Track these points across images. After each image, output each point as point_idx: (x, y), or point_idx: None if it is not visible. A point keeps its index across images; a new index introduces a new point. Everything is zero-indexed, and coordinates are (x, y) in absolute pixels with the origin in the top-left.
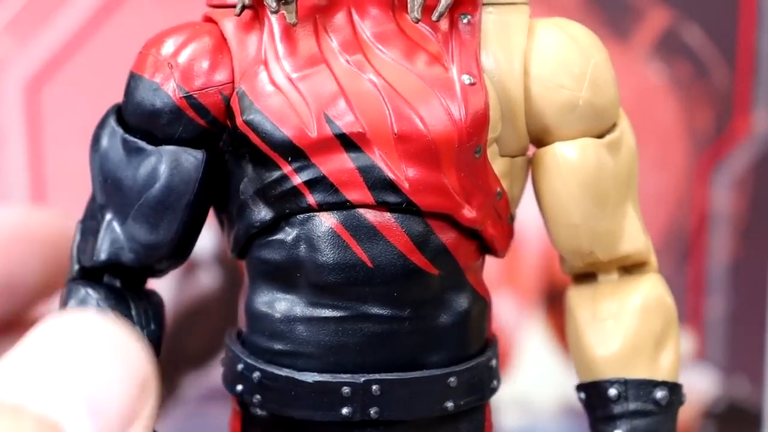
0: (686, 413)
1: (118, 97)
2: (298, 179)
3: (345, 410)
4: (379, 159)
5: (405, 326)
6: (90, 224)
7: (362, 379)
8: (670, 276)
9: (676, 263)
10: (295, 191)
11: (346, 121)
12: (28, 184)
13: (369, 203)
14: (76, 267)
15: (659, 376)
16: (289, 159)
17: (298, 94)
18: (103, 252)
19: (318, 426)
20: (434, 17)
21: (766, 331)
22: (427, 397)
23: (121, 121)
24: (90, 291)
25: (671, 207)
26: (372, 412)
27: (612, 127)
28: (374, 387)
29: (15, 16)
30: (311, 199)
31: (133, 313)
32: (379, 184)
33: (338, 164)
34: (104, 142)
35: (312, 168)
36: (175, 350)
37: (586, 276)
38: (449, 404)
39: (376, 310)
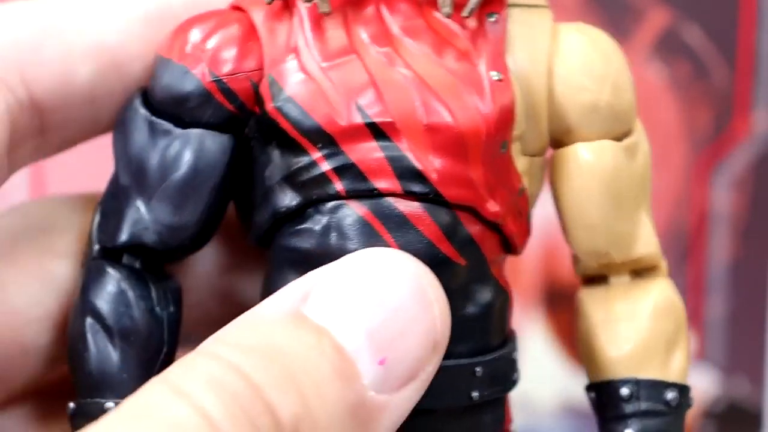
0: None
1: None
2: (326, 166)
3: None
4: (407, 149)
5: None
6: (112, 204)
7: None
8: (670, 276)
9: (676, 263)
10: (323, 177)
11: (376, 110)
12: (28, 184)
13: (397, 192)
14: (97, 247)
15: (670, 378)
16: (319, 146)
17: (329, 82)
18: (125, 232)
19: None
20: (465, 13)
21: (766, 331)
22: (455, 386)
23: (147, 104)
24: (110, 269)
25: (671, 207)
26: None
27: (629, 132)
28: None
29: None
30: (339, 186)
31: (153, 294)
32: (407, 173)
33: (367, 152)
34: (129, 124)
35: (341, 155)
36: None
37: (597, 278)
38: (475, 394)
39: None
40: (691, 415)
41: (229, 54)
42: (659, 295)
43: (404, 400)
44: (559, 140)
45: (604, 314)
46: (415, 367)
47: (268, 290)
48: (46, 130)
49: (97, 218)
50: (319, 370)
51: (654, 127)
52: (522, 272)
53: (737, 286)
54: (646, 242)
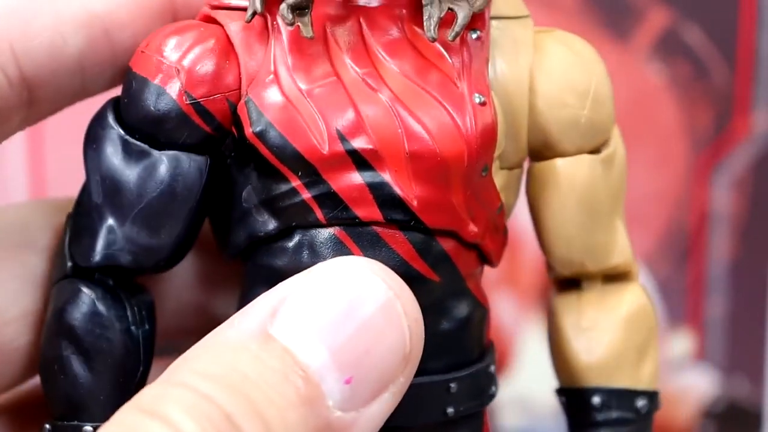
0: (686, 413)
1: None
2: (307, 194)
3: None
4: (389, 176)
5: None
6: (84, 221)
7: None
8: (670, 276)
9: (676, 263)
10: (303, 205)
11: (358, 137)
12: (28, 184)
13: (378, 220)
14: (69, 264)
15: (640, 385)
16: (299, 173)
17: (309, 108)
18: (99, 253)
19: None
20: (450, 37)
21: (766, 331)
22: (429, 403)
23: (119, 120)
24: (85, 289)
25: (671, 207)
26: None
27: (607, 141)
28: None
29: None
30: (320, 214)
31: (128, 313)
32: (388, 201)
33: (348, 181)
34: (102, 140)
35: (322, 183)
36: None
37: (570, 282)
38: (450, 410)
39: None
40: (691, 415)
41: (206, 73)
42: (631, 302)
43: (373, 415)
44: (538, 153)
45: (576, 320)
46: (384, 382)
47: (243, 306)
48: (34, 102)
49: (68, 233)
50: (283, 396)
51: (654, 127)
52: (522, 272)
53: (737, 286)
54: (620, 251)
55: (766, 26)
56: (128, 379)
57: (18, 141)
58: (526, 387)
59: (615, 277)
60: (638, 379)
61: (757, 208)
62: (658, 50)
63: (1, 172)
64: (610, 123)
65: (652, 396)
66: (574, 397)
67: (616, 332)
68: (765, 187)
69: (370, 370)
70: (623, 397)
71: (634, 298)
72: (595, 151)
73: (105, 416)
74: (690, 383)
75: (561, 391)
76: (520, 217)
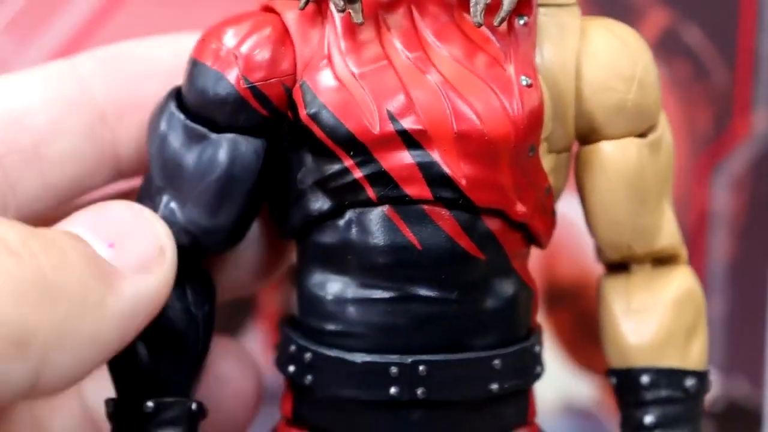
0: None
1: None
2: (359, 173)
3: (393, 390)
4: (438, 156)
5: (452, 308)
6: (147, 204)
7: (410, 360)
8: None
9: None
10: (355, 184)
11: (408, 118)
12: None
13: (427, 198)
14: None
15: (689, 366)
16: (351, 153)
17: (361, 90)
18: None
19: (367, 405)
20: (496, 22)
21: (766, 331)
22: (473, 379)
23: (181, 106)
24: None
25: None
26: (419, 392)
27: (654, 126)
28: (421, 368)
29: (14, 17)
30: (371, 192)
31: (189, 294)
32: (437, 180)
33: (399, 160)
34: (164, 125)
35: (373, 162)
36: None
37: (619, 266)
38: (494, 386)
39: (424, 292)
40: None
41: (263, 59)
42: (679, 284)
43: (141, 284)
44: (585, 137)
45: (625, 303)
46: (144, 260)
47: (299, 284)
48: None
49: None
50: (63, 239)
51: None
52: None
53: (737, 286)
54: (668, 233)
55: (766, 27)
56: (187, 358)
57: None
58: None
59: (663, 260)
60: (687, 360)
61: (756, 208)
62: (657, 50)
63: None
64: (657, 108)
65: (702, 376)
66: (623, 377)
67: (664, 314)
68: (765, 187)
69: (130, 244)
70: (672, 376)
71: (683, 281)
72: (642, 135)
73: (165, 394)
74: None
75: (611, 372)
76: None
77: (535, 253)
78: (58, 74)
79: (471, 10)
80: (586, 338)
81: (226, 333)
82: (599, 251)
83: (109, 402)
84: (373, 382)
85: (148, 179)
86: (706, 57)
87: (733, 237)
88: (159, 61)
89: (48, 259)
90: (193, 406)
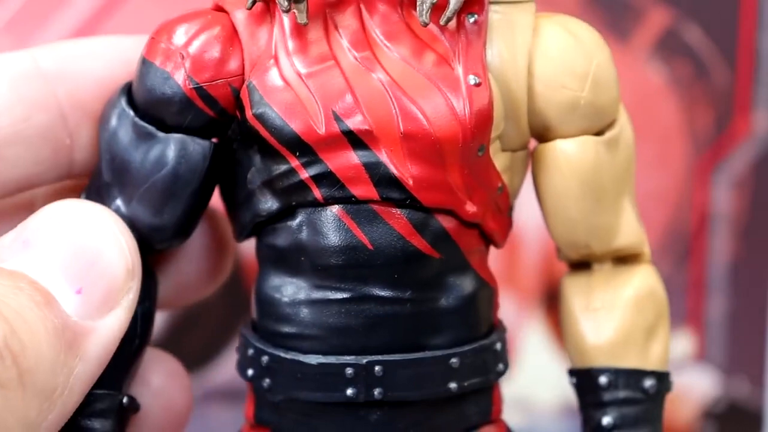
0: (686, 413)
1: None
2: (305, 173)
3: (349, 391)
4: (384, 156)
5: (406, 308)
6: (94, 199)
7: (365, 361)
8: (670, 276)
9: (676, 263)
10: (302, 185)
11: (353, 118)
12: None
13: (374, 199)
14: None
15: (648, 366)
16: (297, 153)
17: (307, 91)
18: None
19: (326, 407)
20: (442, 21)
21: (767, 331)
22: (430, 378)
23: (131, 103)
24: None
25: (671, 207)
26: (376, 392)
27: (611, 124)
28: (377, 368)
29: (14, 16)
30: (318, 193)
31: None
32: (384, 180)
33: (345, 160)
34: (113, 121)
35: (319, 163)
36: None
37: (581, 264)
38: (452, 385)
39: (377, 292)
40: (691, 416)
41: (211, 59)
42: (640, 283)
43: (110, 325)
44: (540, 135)
45: (585, 302)
46: (114, 292)
47: (255, 287)
48: None
49: None
50: (18, 301)
51: (654, 127)
52: (522, 272)
53: (737, 286)
54: (627, 232)
55: (767, 26)
56: (123, 352)
57: None
58: (526, 387)
59: (625, 258)
60: (646, 360)
61: (757, 208)
62: (658, 50)
63: None
64: (614, 106)
65: (662, 377)
66: (583, 377)
67: (623, 313)
68: (765, 187)
69: (99, 280)
70: (630, 377)
71: (643, 280)
72: (598, 133)
73: (96, 386)
74: (690, 383)
75: (572, 372)
76: (520, 216)
77: (535, 254)
78: (22, 73)
79: (417, 9)
80: None
81: (160, 346)
82: (559, 250)
83: None
84: (330, 384)
85: (97, 173)
86: (706, 57)
87: (734, 237)
88: (122, 60)
89: (16, 344)
90: (124, 399)
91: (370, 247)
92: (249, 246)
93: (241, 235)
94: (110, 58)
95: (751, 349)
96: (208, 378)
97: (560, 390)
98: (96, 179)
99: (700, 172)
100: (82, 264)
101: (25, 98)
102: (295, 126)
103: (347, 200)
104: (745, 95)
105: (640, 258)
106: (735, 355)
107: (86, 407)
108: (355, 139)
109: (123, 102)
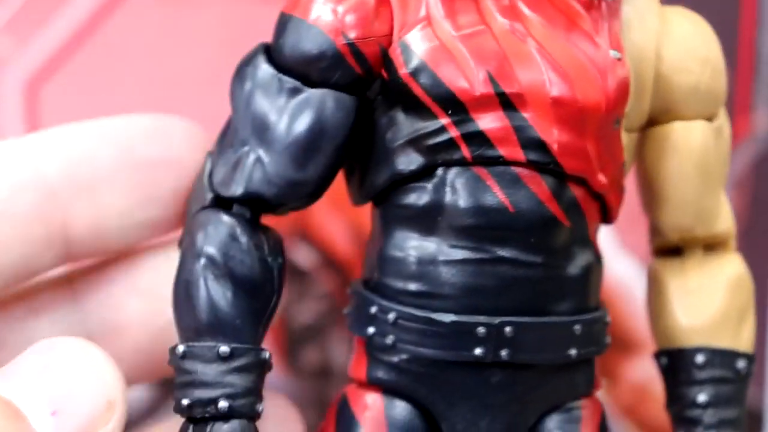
0: None
1: (118, 97)
2: (455, 131)
3: (478, 351)
4: (532, 120)
5: (538, 272)
6: (229, 156)
7: (497, 321)
8: None
9: None
10: (451, 143)
11: (507, 81)
12: None
13: (520, 160)
14: (210, 195)
15: (741, 348)
16: (450, 112)
17: (462, 51)
18: (245, 183)
19: (449, 366)
20: None
21: (767, 331)
22: (555, 343)
23: (271, 61)
24: (224, 217)
25: None
26: (503, 353)
27: (718, 113)
28: (507, 329)
29: (14, 16)
30: (466, 151)
31: (265, 244)
32: (530, 143)
33: (495, 121)
34: (252, 77)
35: (470, 122)
36: None
37: (671, 251)
38: (572, 351)
39: (512, 254)
40: None
41: (361, 17)
42: (732, 269)
43: None
44: (657, 118)
45: (679, 285)
46: (92, 421)
47: (374, 247)
48: None
49: (208, 167)
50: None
51: None
52: None
53: None
54: (726, 218)
55: (767, 26)
56: (263, 306)
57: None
58: None
59: (715, 246)
60: (739, 342)
61: (757, 208)
62: None
63: None
64: (723, 93)
65: (750, 358)
66: (676, 356)
67: (719, 296)
68: (765, 187)
69: (75, 407)
70: (726, 357)
71: (735, 265)
72: (709, 118)
73: (240, 339)
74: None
75: (662, 353)
76: None
77: None
78: (8, 153)
79: None
80: None
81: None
82: (657, 234)
83: (177, 347)
84: (460, 343)
85: (231, 129)
86: None
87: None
88: (110, 137)
89: None
90: (267, 355)
91: (511, 209)
92: None
93: (368, 197)
94: (96, 135)
95: None
96: None
97: None
98: (231, 135)
99: None
100: (60, 389)
101: (10, 176)
102: (450, 84)
103: (494, 160)
104: (745, 95)
105: (728, 246)
106: None
107: (231, 361)
108: (507, 102)
109: (262, 59)
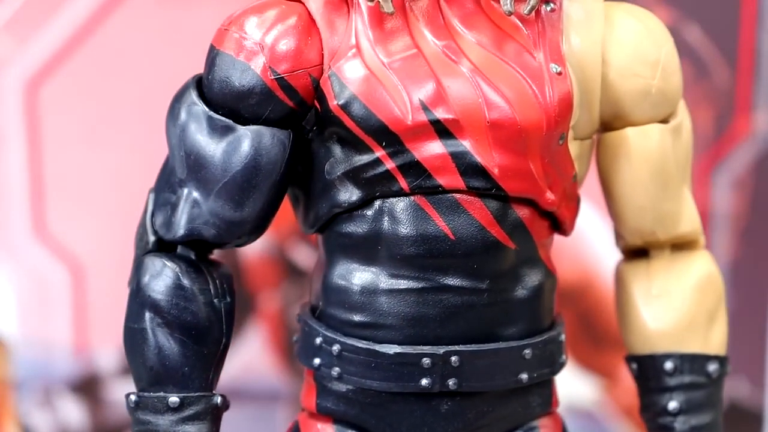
0: None
1: (118, 98)
2: (391, 163)
3: (424, 381)
4: (470, 145)
5: (483, 298)
6: (167, 196)
7: (442, 351)
8: None
9: None
10: (387, 175)
11: (440, 107)
12: (28, 184)
13: (460, 188)
14: (153, 239)
15: (711, 351)
16: (383, 143)
17: (392, 80)
18: (184, 226)
19: (396, 397)
20: (526, 11)
21: (767, 331)
22: (504, 369)
23: (201, 96)
24: (168, 263)
25: None
26: (450, 383)
27: (675, 112)
28: (453, 358)
29: (14, 16)
30: (404, 183)
31: (210, 286)
32: (470, 169)
33: (431, 150)
34: (184, 115)
35: (406, 153)
36: None
37: (638, 252)
38: (523, 376)
39: (456, 282)
40: None
41: (289, 49)
42: (700, 269)
43: None
44: (609, 123)
45: (646, 288)
46: None
47: (319, 275)
48: None
49: (151, 208)
50: None
51: None
52: None
53: (737, 286)
54: (689, 219)
55: (767, 26)
56: (212, 351)
57: (17, 141)
58: None
59: (683, 245)
60: (709, 345)
61: (757, 208)
62: None
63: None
64: (678, 94)
65: (723, 361)
66: (646, 363)
67: (686, 298)
68: (765, 187)
69: None
70: (695, 361)
71: (703, 265)
72: (664, 120)
73: (190, 387)
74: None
75: (632, 358)
76: None
77: None
78: None
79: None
80: (586, 338)
81: None
82: (620, 237)
83: (129, 396)
84: (406, 374)
85: (168, 170)
86: (706, 57)
87: (734, 237)
88: None
89: None
90: (218, 400)
91: (452, 237)
92: (248, 247)
93: (314, 227)
94: None
95: (751, 350)
96: None
97: (560, 390)
98: (167, 175)
99: (700, 172)
100: None
101: None
102: (382, 115)
103: (433, 190)
104: (745, 95)
105: (696, 244)
106: (735, 355)
107: (181, 411)
108: (442, 129)
109: (194, 95)
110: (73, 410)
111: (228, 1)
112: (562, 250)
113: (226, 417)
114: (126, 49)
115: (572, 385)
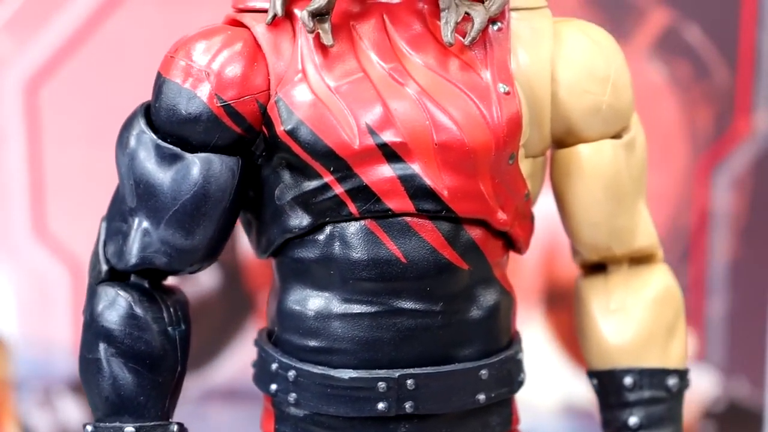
0: (686, 414)
1: (118, 97)
2: (339, 188)
3: (381, 405)
4: (418, 168)
5: (437, 320)
6: (119, 225)
7: (397, 374)
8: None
9: (676, 263)
10: (336, 200)
11: (387, 131)
12: (28, 184)
13: (410, 211)
14: (105, 268)
15: (670, 365)
16: (331, 169)
17: (338, 104)
18: (136, 255)
19: (353, 421)
20: (467, 41)
21: (767, 331)
22: (460, 390)
23: (150, 124)
24: (121, 292)
25: (671, 207)
26: (407, 406)
27: (627, 127)
28: (409, 381)
29: (14, 16)
30: (353, 207)
31: (164, 314)
32: (419, 192)
33: (380, 174)
34: (133, 143)
35: (354, 177)
36: None
37: (596, 266)
38: (481, 397)
39: (409, 305)
40: (692, 416)
41: (236, 76)
42: (658, 283)
43: None
44: (561, 141)
45: (604, 303)
46: None
47: (274, 300)
48: None
49: (103, 237)
50: None
51: (654, 127)
52: (522, 272)
53: (737, 286)
54: (645, 233)
55: (767, 26)
56: (167, 379)
57: (17, 141)
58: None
59: (640, 259)
60: (668, 359)
61: (757, 208)
62: (658, 50)
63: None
64: (630, 109)
65: (682, 374)
66: (605, 379)
67: (644, 313)
68: (765, 187)
69: None
70: (655, 376)
71: (661, 279)
72: (616, 136)
73: (145, 417)
74: (690, 383)
75: (593, 374)
76: None
77: (534, 253)
78: None
79: (442, 30)
80: None
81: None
82: (576, 253)
83: (86, 427)
84: (361, 398)
85: (119, 199)
86: (706, 56)
87: (734, 237)
88: None
89: None
90: (174, 428)
91: (404, 260)
92: (248, 247)
93: (266, 252)
94: None
95: (751, 350)
96: (208, 378)
97: (560, 390)
98: (118, 204)
99: (700, 171)
100: None
101: None
102: (329, 140)
103: (383, 214)
104: (745, 95)
105: (654, 258)
106: (735, 355)
107: None
108: (390, 152)
109: (142, 123)
110: (73, 410)
111: (228, 2)
112: (562, 250)
113: (226, 417)
114: (126, 50)
115: (572, 386)
